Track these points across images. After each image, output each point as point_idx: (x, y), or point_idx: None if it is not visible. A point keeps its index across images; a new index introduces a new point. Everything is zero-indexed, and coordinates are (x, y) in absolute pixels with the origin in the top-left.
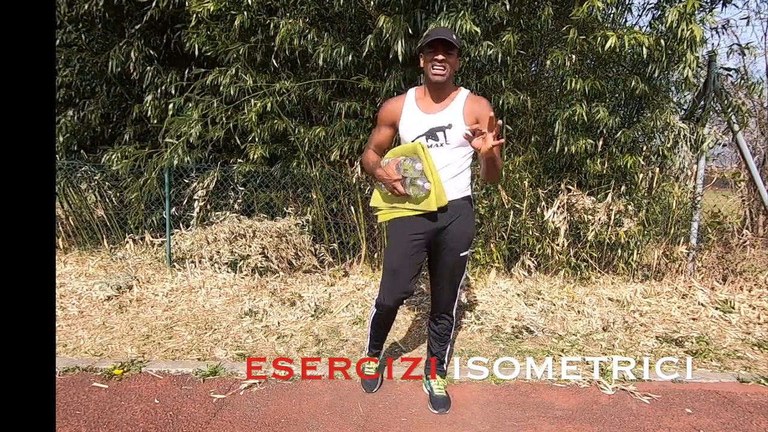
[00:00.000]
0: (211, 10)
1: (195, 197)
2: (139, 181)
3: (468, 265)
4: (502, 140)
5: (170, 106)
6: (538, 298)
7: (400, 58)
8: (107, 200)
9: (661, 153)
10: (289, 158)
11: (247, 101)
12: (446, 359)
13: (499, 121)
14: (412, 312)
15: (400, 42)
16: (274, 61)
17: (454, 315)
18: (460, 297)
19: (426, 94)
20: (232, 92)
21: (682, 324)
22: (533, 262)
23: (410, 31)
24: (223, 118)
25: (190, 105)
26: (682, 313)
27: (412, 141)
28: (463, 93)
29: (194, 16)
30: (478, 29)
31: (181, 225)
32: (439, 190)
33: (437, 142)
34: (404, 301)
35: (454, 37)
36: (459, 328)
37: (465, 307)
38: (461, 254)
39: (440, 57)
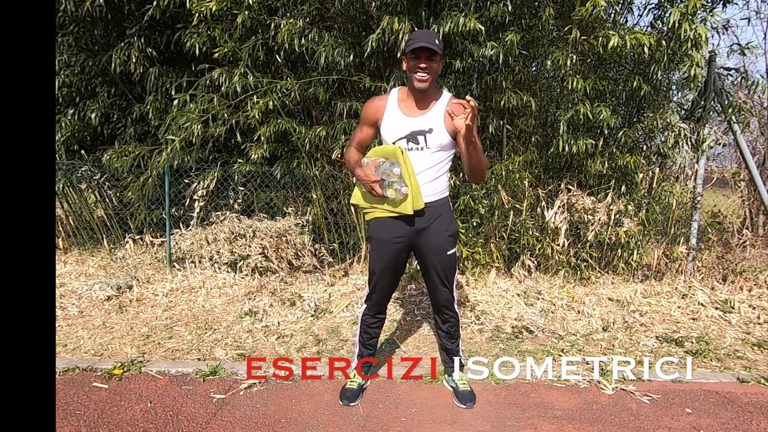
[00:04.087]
0: (213, 9)
1: (195, 197)
2: (140, 181)
3: (468, 264)
4: (472, 115)
5: (172, 103)
6: (538, 298)
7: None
8: (107, 200)
9: (661, 152)
10: (290, 158)
11: (249, 98)
12: (461, 352)
13: (473, 102)
14: (412, 312)
15: (404, 41)
16: (278, 57)
17: (456, 310)
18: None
19: (409, 96)
20: (238, 88)
21: (682, 324)
22: (533, 262)
23: (415, 29)
24: (225, 115)
25: (191, 105)
26: (682, 313)
27: (393, 143)
28: (445, 96)
29: (196, 15)
30: (482, 26)
31: (181, 225)
32: (416, 194)
33: (417, 145)
34: (390, 300)
35: (437, 42)
36: (459, 328)
37: (465, 306)
38: (448, 252)
39: (423, 64)
